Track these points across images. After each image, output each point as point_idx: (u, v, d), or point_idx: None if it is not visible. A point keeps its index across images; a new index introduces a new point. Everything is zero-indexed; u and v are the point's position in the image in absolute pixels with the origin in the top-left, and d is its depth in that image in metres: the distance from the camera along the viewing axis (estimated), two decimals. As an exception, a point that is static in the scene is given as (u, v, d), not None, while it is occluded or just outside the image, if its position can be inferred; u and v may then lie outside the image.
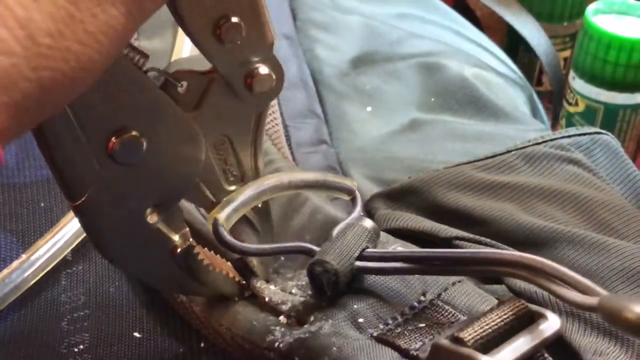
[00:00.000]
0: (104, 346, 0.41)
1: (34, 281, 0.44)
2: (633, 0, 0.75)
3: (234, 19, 0.35)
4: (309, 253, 0.38)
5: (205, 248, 0.38)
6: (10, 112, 0.24)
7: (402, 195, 0.48)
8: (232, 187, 0.39)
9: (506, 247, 0.43)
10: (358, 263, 0.37)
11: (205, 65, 0.37)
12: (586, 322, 0.38)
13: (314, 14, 0.65)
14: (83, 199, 0.34)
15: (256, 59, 0.37)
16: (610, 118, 0.75)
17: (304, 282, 0.39)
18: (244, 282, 0.40)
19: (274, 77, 0.37)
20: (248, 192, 0.38)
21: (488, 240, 0.44)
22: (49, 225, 0.47)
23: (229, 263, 0.40)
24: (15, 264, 0.44)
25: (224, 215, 0.36)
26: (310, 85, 0.58)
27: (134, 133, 0.33)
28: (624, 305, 0.29)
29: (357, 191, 0.41)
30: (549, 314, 0.33)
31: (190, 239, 0.37)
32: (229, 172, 0.39)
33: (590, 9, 0.75)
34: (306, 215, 0.44)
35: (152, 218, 0.36)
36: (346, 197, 0.41)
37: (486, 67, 0.63)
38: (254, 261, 0.40)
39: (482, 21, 0.86)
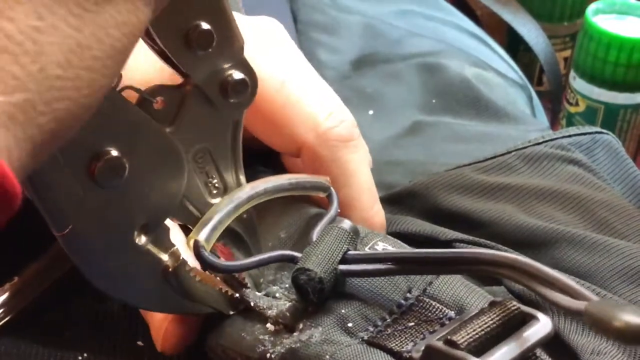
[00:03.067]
0: (107, 354, 0.41)
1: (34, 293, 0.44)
2: (633, 0, 0.75)
3: (205, 26, 0.35)
4: (292, 260, 0.38)
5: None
6: (27, 148, 0.24)
7: (403, 199, 0.48)
8: (216, 200, 0.39)
9: (506, 248, 0.44)
10: (341, 267, 0.37)
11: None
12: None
13: (315, 15, 0.65)
14: (69, 229, 0.33)
15: (228, 65, 0.37)
16: (610, 118, 0.75)
17: (287, 285, 0.39)
18: (237, 295, 0.39)
19: (248, 81, 0.37)
20: (224, 208, 0.37)
21: (488, 242, 0.44)
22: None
23: (218, 278, 0.39)
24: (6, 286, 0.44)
25: (204, 236, 0.36)
26: (312, 89, 0.58)
27: (115, 154, 0.33)
28: (612, 313, 0.28)
29: (331, 188, 0.41)
30: (541, 316, 0.33)
31: (181, 257, 0.37)
32: (211, 185, 0.39)
33: (590, 9, 0.75)
34: (278, 212, 0.44)
35: (140, 240, 0.35)
36: (322, 195, 0.41)
37: (487, 67, 0.63)
38: (242, 273, 0.39)
39: (482, 21, 0.86)
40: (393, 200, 0.49)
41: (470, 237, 0.44)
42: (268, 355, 0.36)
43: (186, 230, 0.38)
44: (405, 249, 0.39)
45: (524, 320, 0.33)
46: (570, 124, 0.77)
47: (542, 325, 0.32)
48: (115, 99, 0.33)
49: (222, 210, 0.37)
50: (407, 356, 0.34)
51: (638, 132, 0.75)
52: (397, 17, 0.67)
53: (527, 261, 0.32)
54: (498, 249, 0.43)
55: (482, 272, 0.34)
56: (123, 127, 0.33)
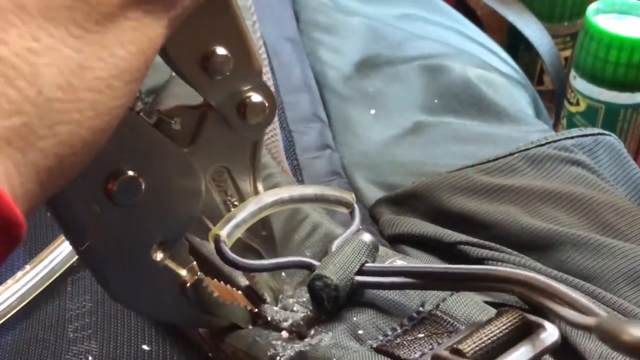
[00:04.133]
0: (112, 358, 0.41)
1: (37, 292, 0.44)
2: (634, 0, 0.75)
3: (221, 51, 0.35)
4: (309, 267, 0.38)
5: (215, 279, 0.38)
6: (29, 174, 0.23)
7: (406, 200, 0.48)
8: None
9: (510, 250, 0.44)
10: (357, 277, 0.37)
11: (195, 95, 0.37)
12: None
13: (316, 16, 0.65)
14: (87, 244, 0.33)
15: (247, 88, 0.37)
16: (611, 117, 0.75)
17: (304, 299, 0.39)
18: (255, 309, 0.39)
19: (266, 104, 0.37)
20: (248, 208, 0.37)
21: (492, 244, 0.44)
22: (55, 234, 0.47)
23: (239, 292, 0.39)
24: (19, 274, 0.44)
25: (226, 232, 0.36)
26: (314, 88, 0.58)
27: (131, 174, 0.33)
28: (622, 327, 0.29)
29: (355, 204, 0.41)
30: (547, 325, 0.33)
31: (199, 273, 0.37)
32: (230, 203, 0.39)
33: (591, 8, 0.74)
34: (306, 231, 0.44)
35: (158, 255, 0.35)
36: (345, 211, 0.41)
37: (490, 68, 0.63)
38: (262, 288, 0.40)
39: (482, 20, 0.86)
40: (396, 202, 0.49)
41: (475, 239, 0.44)
42: (278, 358, 0.36)
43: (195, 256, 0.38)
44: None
45: (531, 329, 0.33)
46: (570, 123, 0.77)
47: (548, 334, 0.32)
48: (132, 119, 0.33)
49: (247, 209, 0.37)
50: None
51: (639, 132, 0.75)
52: (399, 20, 0.67)
53: (539, 278, 0.33)
54: (503, 252, 0.43)
55: (497, 289, 0.34)
56: (140, 147, 0.33)
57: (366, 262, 0.37)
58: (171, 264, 0.36)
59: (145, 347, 0.41)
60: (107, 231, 0.33)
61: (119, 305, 0.43)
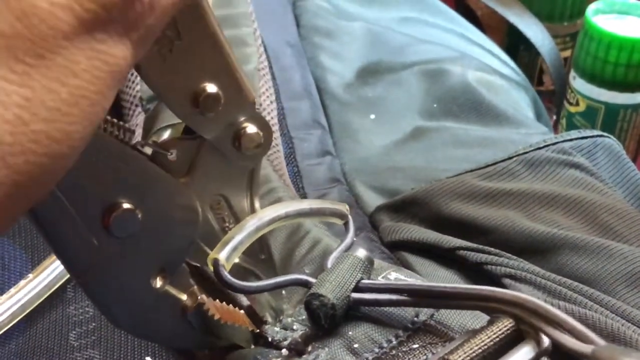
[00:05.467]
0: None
1: (40, 300, 0.45)
2: (633, 0, 0.75)
3: (211, 89, 0.34)
4: (306, 285, 0.38)
5: (217, 300, 0.38)
6: None
7: (405, 207, 0.49)
8: None
9: (510, 255, 0.44)
10: (354, 295, 0.37)
11: None
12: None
13: (316, 21, 0.65)
14: (86, 275, 0.34)
15: (241, 120, 0.37)
16: (611, 118, 0.75)
17: (303, 317, 0.39)
18: (257, 330, 0.40)
19: (261, 134, 0.37)
20: (246, 228, 0.37)
21: (491, 249, 0.44)
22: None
23: (242, 311, 0.39)
24: (22, 283, 0.45)
25: (224, 255, 0.36)
26: (315, 94, 0.58)
27: (128, 206, 0.33)
28: (617, 358, 0.29)
29: (349, 216, 0.41)
30: (539, 332, 0.33)
31: (199, 297, 0.37)
32: (229, 229, 0.39)
33: (590, 8, 0.75)
34: (306, 248, 0.45)
35: (158, 282, 0.36)
36: (340, 222, 0.41)
37: (490, 71, 0.63)
38: (263, 308, 0.40)
39: (482, 21, 0.86)
40: (396, 208, 0.49)
41: (474, 245, 0.44)
42: None
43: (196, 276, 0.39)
44: (416, 279, 0.40)
45: (521, 337, 0.33)
46: (570, 123, 0.77)
47: (540, 341, 0.33)
48: (127, 153, 0.33)
49: (244, 231, 0.37)
50: None
51: (638, 132, 0.75)
52: (400, 24, 0.67)
53: (536, 301, 0.33)
54: (502, 256, 0.43)
55: (492, 310, 0.34)
56: (136, 180, 0.34)
57: (362, 278, 0.38)
58: (172, 290, 0.37)
59: (148, 358, 0.42)
60: (106, 262, 0.34)
61: None
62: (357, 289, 0.37)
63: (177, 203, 0.36)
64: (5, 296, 0.44)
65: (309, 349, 0.37)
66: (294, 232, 0.46)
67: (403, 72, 0.61)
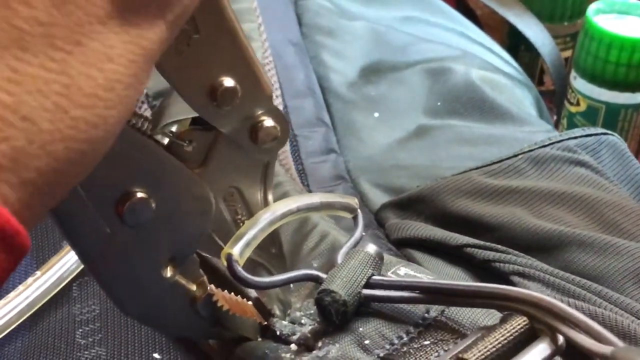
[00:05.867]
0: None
1: (47, 299, 0.45)
2: (634, 0, 0.75)
3: (228, 82, 0.34)
4: (317, 280, 0.38)
5: (225, 291, 0.38)
6: (27, 190, 0.23)
7: (411, 204, 0.49)
8: None
9: (517, 252, 0.44)
10: (365, 291, 0.37)
11: None
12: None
13: (319, 20, 0.65)
14: (98, 263, 0.34)
15: (258, 113, 0.36)
16: (611, 117, 0.75)
17: (312, 311, 0.39)
18: (265, 322, 0.40)
19: (278, 127, 0.37)
20: (258, 223, 0.37)
21: (498, 246, 0.44)
22: (64, 241, 0.47)
23: (249, 303, 0.39)
24: (30, 280, 0.44)
25: (238, 250, 0.36)
26: (318, 93, 0.58)
27: (142, 195, 0.33)
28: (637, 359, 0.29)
29: (359, 210, 0.41)
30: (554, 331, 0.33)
31: (209, 287, 0.37)
32: (241, 221, 0.39)
33: (591, 8, 0.75)
34: (314, 241, 0.45)
35: (168, 272, 0.36)
36: (349, 216, 0.41)
37: (493, 69, 0.63)
38: (271, 301, 0.40)
39: (482, 21, 0.86)
40: (401, 206, 0.49)
41: (481, 242, 0.44)
42: None
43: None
44: (426, 275, 0.40)
45: (535, 335, 0.33)
46: (571, 123, 0.77)
47: (553, 339, 0.32)
48: (143, 143, 0.33)
49: (257, 225, 0.37)
50: None
51: (639, 132, 0.75)
52: (401, 23, 0.67)
53: (552, 301, 0.32)
54: (509, 253, 0.43)
55: (505, 308, 0.34)
56: (151, 169, 0.33)
57: (372, 274, 0.37)
58: (182, 280, 0.37)
59: (156, 355, 0.42)
60: (118, 251, 0.34)
61: None
62: (368, 285, 0.37)
63: (191, 193, 0.35)
64: (12, 294, 0.43)
65: (319, 344, 0.37)
66: (302, 225, 0.46)
67: (406, 71, 0.61)
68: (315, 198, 0.40)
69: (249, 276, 0.36)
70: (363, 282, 0.37)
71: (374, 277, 0.37)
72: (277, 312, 0.40)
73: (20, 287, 0.44)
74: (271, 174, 0.39)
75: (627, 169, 0.50)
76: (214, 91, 0.34)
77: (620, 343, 0.30)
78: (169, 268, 0.36)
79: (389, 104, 0.58)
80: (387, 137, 0.56)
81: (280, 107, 0.54)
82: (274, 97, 0.48)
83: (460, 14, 0.73)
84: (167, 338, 0.42)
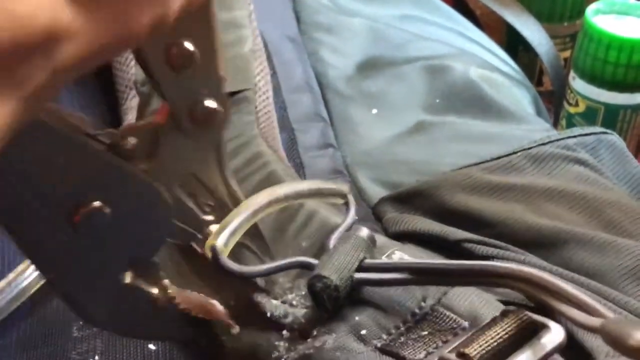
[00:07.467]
0: (118, 358, 0.41)
1: (39, 285, 0.44)
2: (633, 0, 0.75)
3: (188, 46, 0.34)
4: (308, 267, 0.38)
5: (188, 291, 0.38)
6: None
7: (410, 198, 0.48)
8: (210, 217, 0.38)
9: (515, 248, 0.43)
10: (357, 275, 0.37)
11: None
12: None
13: (317, 17, 0.65)
14: (56, 273, 0.34)
15: (204, 92, 0.36)
16: (610, 118, 0.75)
17: (303, 292, 0.38)
18: (235, 326, 0.39)
19: (221, 110, 0.36)
20: (243, 213, 0.37)
21: (497, 242, 0.44)
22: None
23: (215, 302, 0.39)
24: (20, 267, 0.44)
25: (222, 241, 0.36)
26: (316, 88, 0.58)
27: (96, 204, 0.33)
28: (629, 331, 0.29)
29: (349, 195, 0.41)
30: (553, 325, 0.33)
31: (169, 291, 0.37)
32: (204, 205, 0.38)
33: (590, 9, 0.74)
34: (301, 222, 0.44)
35: (128, 278, 0.36)
36: (340, 202, 0.41)
37: (491, 68, 0.63)
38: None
39: (481, 21, 0.86)
40: (400, 200, 0.49)
41: (480, 237, 0.44)
42: None
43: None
44: (420, 258, 0.39)
45: (537, 329, 0.33)
46: (570, 124, 0.77)
47: (554, 334, 0.32)
48: (84, 147, 0.33)
49: (241, 215, 0.37)
50: None
51: (638, 132, 0.75)
52: (400, 21, 0.67)
53: (543, 275, 0.32)
54: (507, 249, 0.43)
55: (500, 285, 0.34)
56: (97, 174, 0.33)
57: (365, 257, 0.37)
58: (142, 284, 0.36)
59: (151, 346, 0.41)
60: (76, 259, 0.34)
61: None
62: (361, 268, 0.37)
63: (143, 194, 0.35)
64: (3, 282, 0.43)
65: (314, 332, 0.37)
66: (287, 205, 0.45)
67: (405, 67, 0.61)
68: (304, 185, 0.40)
69: (236, 266, 0.36)
70: (355, 266, 0.37)
71: (366, 261, 0.37)
72: (261, 283, 0.39)
73: (11, 275, 0.43)
74: (225, 155, 0.38)
75: (626, 168, 0.50)
76: (171, 51, 0.34)
77: (610, 314, 0.30)
78: (129, 273, 0.36)
79: (388, 100, 0.58)
80: (385, 132, 0.55)
81: (278, 103, 0.54)
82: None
83: (459, 14, 0.73)
84: None
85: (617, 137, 0.52)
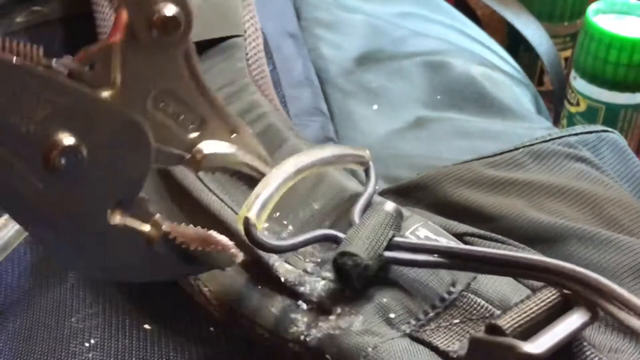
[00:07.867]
0: (115, 339, 0.40)
1: (22, 237, 0.43)
2: (634, 0, 0.75)
3: None
4: (335, 240, 0.36)
5: (183, 224, 0.35)
6: None
7: (411, 192, 0.48)
8: (195, 134, 0.37)
9: (517, 243, 0.43)
10: (387, 253, 0.35)
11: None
12: (601, 319, 0.38)
13: (317, 13, 0.65)
14: (37, 223, 0.32)
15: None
16: (611, 118, 0.75)
17: (319, 259, 0.37)
18: (240, 254, 0.36)
19: (182, 14, 0.34)
20: (272, 183, 0.36)
21: (499, 236, 0.43)
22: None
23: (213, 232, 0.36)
24: (1, 221, 0.43)
25: (254, 213, 0.35)
26: (316, 83, 0.58)
27: (69, 142, 0.31)
28: None
29: (370, 162, 0.40)
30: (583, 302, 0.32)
31: (163, 226, 0.35)
32: (187, 122, 0.36)
33: (591, 8, 0.75)
34: (311, 182, 0.43)
35: (115, 219, 0.34)
36: (361, 168, 0.40)
37: (492, 66, 0.63)
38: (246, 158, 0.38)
39: (482, 21, 0.86)
40: (401, 193, 0.48)
41: (481, 231, 0.44)
42: (302, 337, 0.35)
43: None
44: (445, 237, 0.38)
45: (567, 305, 0.32)
46: (571, 123, 0.77)
47: (585, 310, 0.32)
48: (43, 78, 0.30)
49: (271, 185, 0.36)
50: (455, 356, 0.33)
51: (639, 132, 0.75)
52: (400, 18, 0.67)
53: (590, 274, 0.32)
54: (509, 244, 0.43)
55: (542, 280, 0.33)
56: (64, 108, 0.31)
57: (394, 235, 0.36)
58: (132, 223, 0.34)
59: (147, 326, 0.41)
60: (55, 206, 0.32)
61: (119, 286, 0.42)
62: (391, 246, 0.36)
63: (117, 125, 0.33)
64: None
65: (338, 310, 0.35)
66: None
67: (405, 61, 0.61)
68: (327, 152, 0.39)
69: (268, 241, 0.35)
70: (384, 244, 0.35)
71: (395, 239, 0.36)
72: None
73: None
74: (197, 65, 0.36)
75: (628, 166, 0.50)
76: None
77: None
78: (115, 214, 0.34)
79: (388, 96, 0.58)
80: (385, 127, 0.55)
81: (278, 98, 0.54)
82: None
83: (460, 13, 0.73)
84: (159, 309, 0.41)
85: (619, 135, 0.51)
